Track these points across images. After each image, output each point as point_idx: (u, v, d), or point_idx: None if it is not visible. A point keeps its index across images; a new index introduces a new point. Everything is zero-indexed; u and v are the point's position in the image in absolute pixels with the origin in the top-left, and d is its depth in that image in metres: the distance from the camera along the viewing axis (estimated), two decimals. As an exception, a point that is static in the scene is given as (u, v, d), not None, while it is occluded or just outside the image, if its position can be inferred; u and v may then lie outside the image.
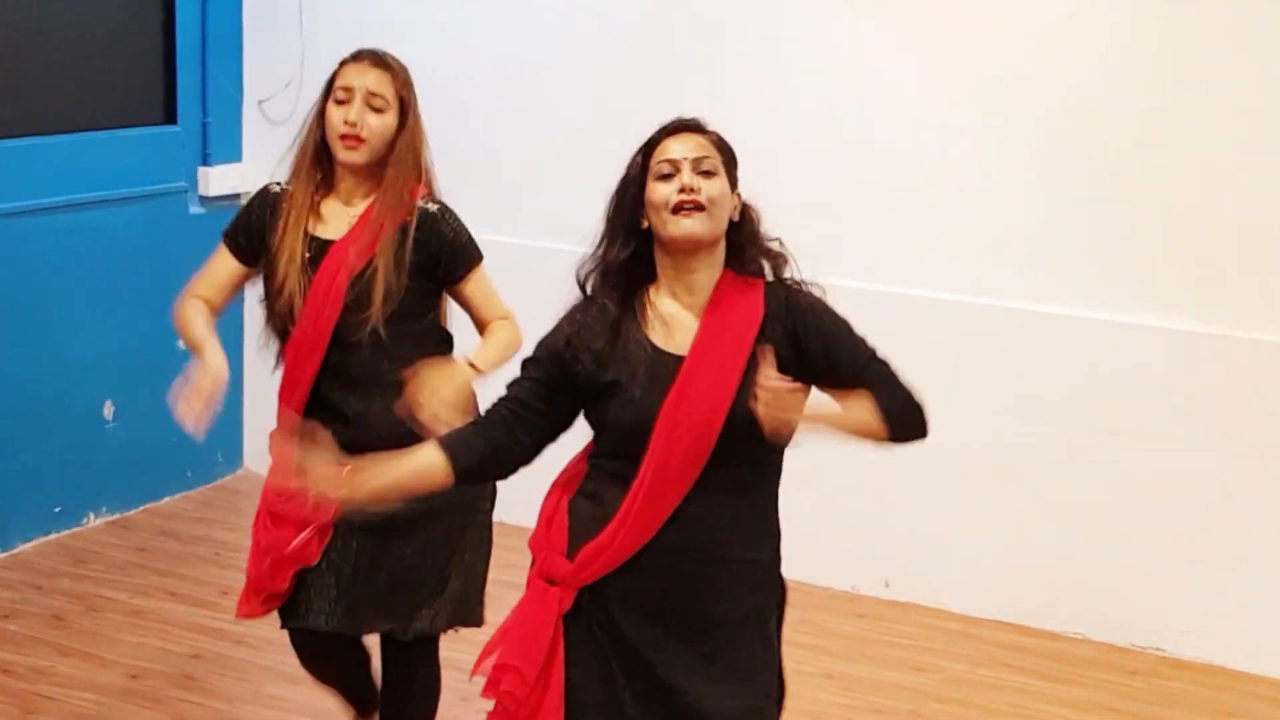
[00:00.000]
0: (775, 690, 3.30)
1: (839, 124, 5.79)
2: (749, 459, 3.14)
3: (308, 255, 3.94)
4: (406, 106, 3.95)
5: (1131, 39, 5.38)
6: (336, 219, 3.97)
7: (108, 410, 6.30)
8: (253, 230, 4.08)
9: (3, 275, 5.84)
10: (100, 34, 6.23)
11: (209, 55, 6.57)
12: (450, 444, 3.20)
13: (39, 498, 6.07)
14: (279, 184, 4.06)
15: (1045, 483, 5.60)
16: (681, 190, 3.08)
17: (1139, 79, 5.37)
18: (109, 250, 6.23)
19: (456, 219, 4.00)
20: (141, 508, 6.47)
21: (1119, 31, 5.40)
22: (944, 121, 5.63)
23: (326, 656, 4.25)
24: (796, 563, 5.92)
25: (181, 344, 4.18)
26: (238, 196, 6.73)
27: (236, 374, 6.82)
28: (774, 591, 3.31)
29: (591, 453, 3.23)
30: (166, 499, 6.59)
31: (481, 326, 4.06)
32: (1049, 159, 5.52)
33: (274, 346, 4.15)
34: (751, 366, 3.05)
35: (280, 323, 4.05)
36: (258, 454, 6.88)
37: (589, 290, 3.21)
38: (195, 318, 4.10)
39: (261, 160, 6.70)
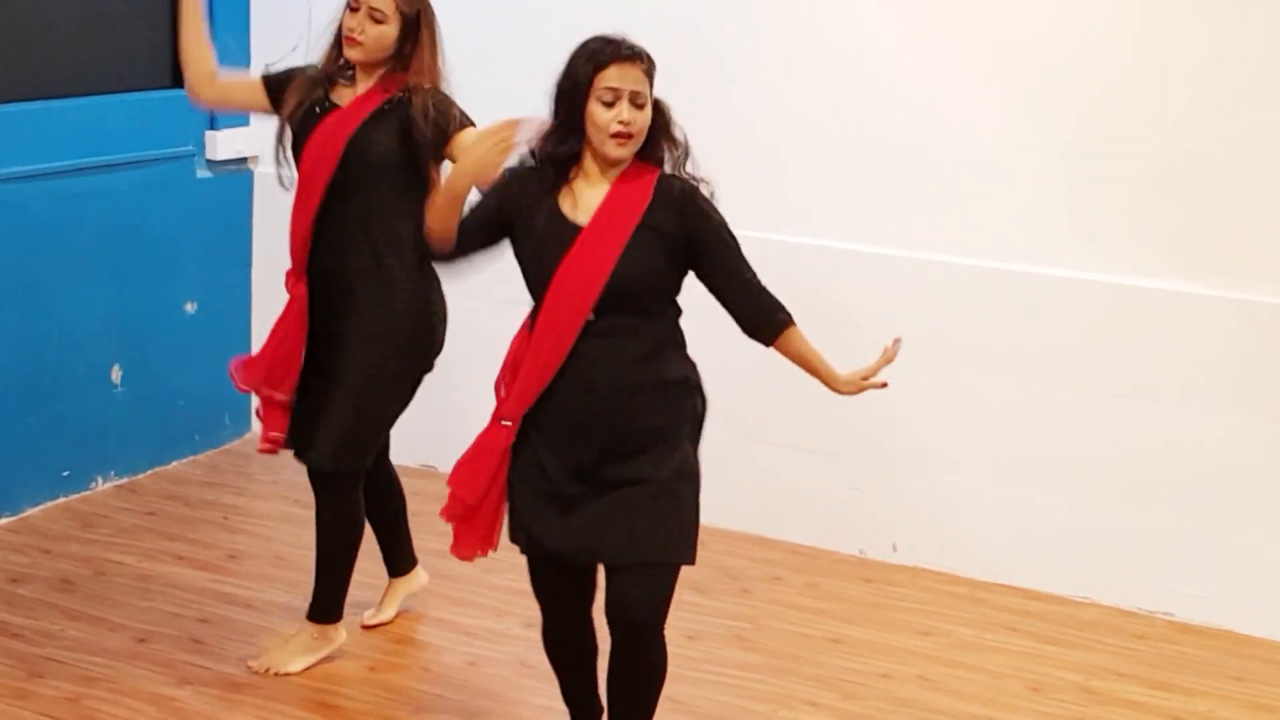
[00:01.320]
0: (687, 477, 3.98)
1: (839, 91, 5.76)
2: (632, 310, 3.86)
3: (317, 110, 4.67)
4: (407, 20, 4.59)
5: (1168, 18, 5.35)
6: (342, 94, 4.70)
7: (115, 374, 6.30)
8: (283, 80, 4.83)
9: (10, 240, 5.83)
10: (107, -3, 6.22)
11: (216, 19, 6.51)
12: (433, 245, 4.09)
13: (47, 462, 6.08)
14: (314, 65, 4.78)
15: (1054, 447, 5.60)
16: (620, 122, 3.79)
17: (1182, 52, 5.33)
18: (116, 214, 6.22)
19: (446, 97, 4.62)
20: (149, 472, 6.47)
21: (1156, 12, 5.36)
22: (978, 90, 5.60)
23: None
24: (803, 527, 6.01)
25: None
26: (244, 161, 6.73)
27: (245, 342, 6.84)
28: (682, 410, 3.96)
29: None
30: (174, 463, 6.59)
31: None
32: (1044, 120, 5.50)
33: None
34: (639, 239, 3.81)
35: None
36: (266, 418, 6.88)
37: (534, 159, 3.92)
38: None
39: (268, 124, 6.67)
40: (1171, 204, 5.38)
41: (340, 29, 4.66)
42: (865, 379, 4.00)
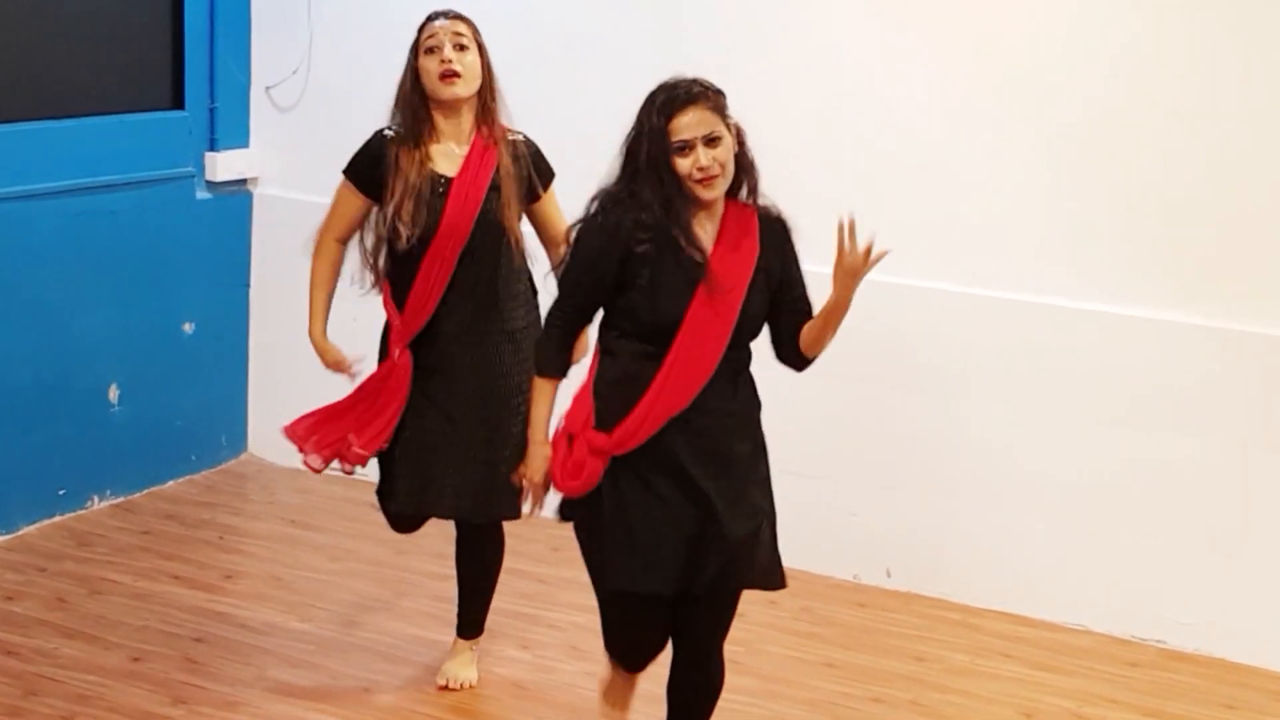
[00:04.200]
0: (771, 514, 4.10)
1: (860, 120, 5.78)
2: (745, 344, 4.00)
3: (427, 190, 4.57)
4: (482, 48, 4.62)
5: (1154, 37, 5.37)
6: (447, 158, 4.62)
7: (113, 394, 6.32)
8: (372, 167, 4.65)
9: (10, 258, 5.85)
10: (109, 18, 6.23)
11: (217, 40, 6.58)
12: (549, 367, 4.07)
13: (43, 480, 6.09)
14: (390, 129, 4.66)
15: (1047, 474, 5.61)
16: (700, 169, 3.82)
17: (1164, 75, 5.36)
18: (116, 234, 6.23)
19: (534, 146, 4.73)
20: (145, 491, 6.48)
21: (1142, 29, 5.39)
22: (966, 118, 5.62)
23: None
24: (798, 551, 5.97)
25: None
26: (244, 182, 6.75)
27: (241, 360, 6.87)
28: (760, 437, 4.09)
29: (611, 340, 3.97)
30: (170, 483, 6.59)
31: (551, 244, 4.74)
32: (1053, 152, 5.52)
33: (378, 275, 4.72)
34: (755, 281, 3.94)
35: (404, 249, 4.60)
36: (262, 438, 6.90)
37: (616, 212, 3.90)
38: (321, 282, 4.78)
39: (269, 146, 6.72)
40: (1164, 234, 5.40)
41: (414, 78, 4.60)
42: (852, 264, 4.04)
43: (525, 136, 4.72)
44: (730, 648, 5.28)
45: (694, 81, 3.88)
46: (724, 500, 3.93)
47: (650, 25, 6.03)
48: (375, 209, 4.65)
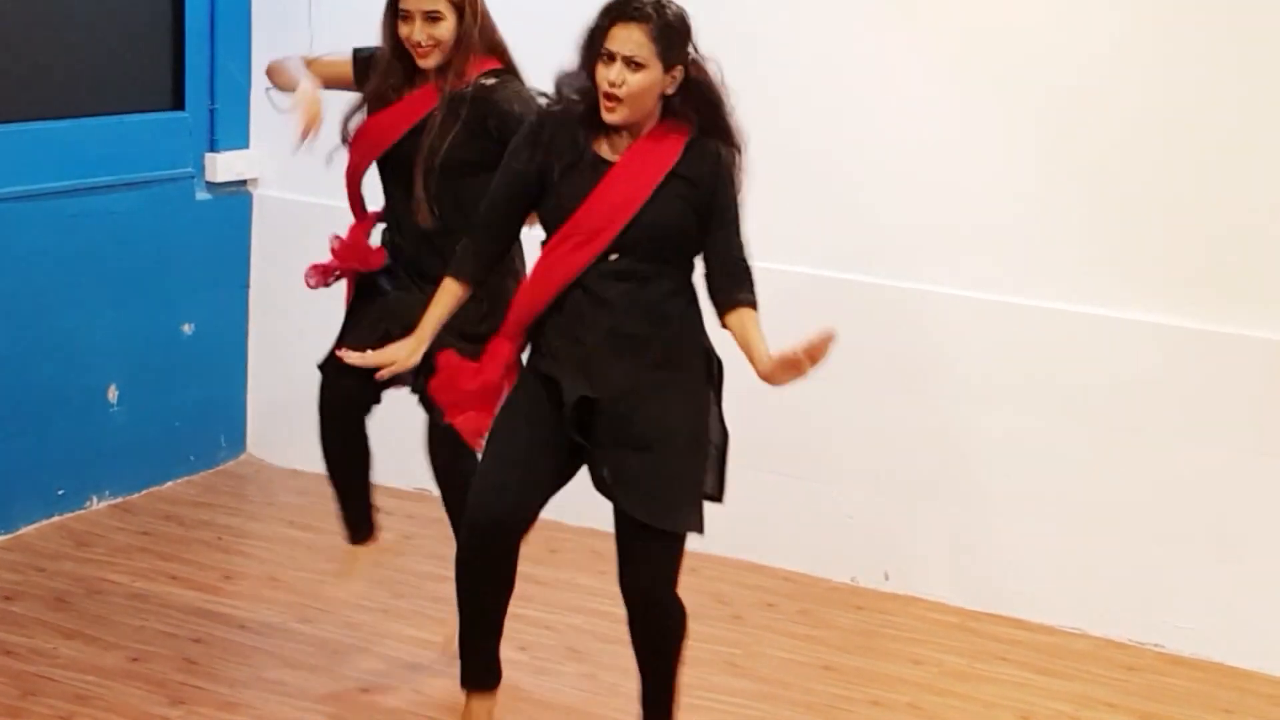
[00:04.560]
0: (703, 445, 4.06)
1: (839, 119, 5.79)
2: (646, 255, 3.88)
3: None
4: (460, 7, 4.56)
5: (1133, 32, 5.39)
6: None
7: (112, 394, 6.32)
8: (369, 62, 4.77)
9: (8, 259, 5.85)
10: (109, 19, 6.23)
11: (218, 41, 6.58)
12: (460, 270, 4.09)
13: (42, 480, 6.09)
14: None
15: (1045, 477, 5.61)
16: (609, 84, 3.78)
17: (1142, 74, 5.37)
18: (115, 235, 6.23)
19: (514, 89, 4.56)
20: (144, 491, 6.48)
21: (1120, 25, 5.40)
22: (962, 122, 5.63)
23: None
24: (796, 554, 6.02)
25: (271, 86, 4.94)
26: (244, 183, 6.75)
27: (241, 361, 6.87)
28: (692, 367, 4.01)
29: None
30: (169, 483, 6.60)
31: None
32: (1051, 155, 5.52)
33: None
34: (663, 187, 3.84)
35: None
36: (261, 439, 6.91)
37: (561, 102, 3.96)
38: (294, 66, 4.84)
39: (269, 147, 6.71)
40: (1165, 237, 5.41)
41: (393, 36, 4.65)
42: (785, 361, 3.87)
43: (503, 76, 4.63)
44: (728, 650, 5.32)
45: (656, 3, 3.83)
46: (604, 420, 3.93)
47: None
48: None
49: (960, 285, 5.68)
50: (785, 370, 3.86)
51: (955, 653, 5.43)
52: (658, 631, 4.16)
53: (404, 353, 4.10)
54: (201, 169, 6.59)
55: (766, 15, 5.86)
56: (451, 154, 4.56)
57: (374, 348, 4.26)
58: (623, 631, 5.35)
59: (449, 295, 4.10)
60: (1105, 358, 5.50)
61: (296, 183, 6.66)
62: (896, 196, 5.74)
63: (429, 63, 4.59)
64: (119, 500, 6.37)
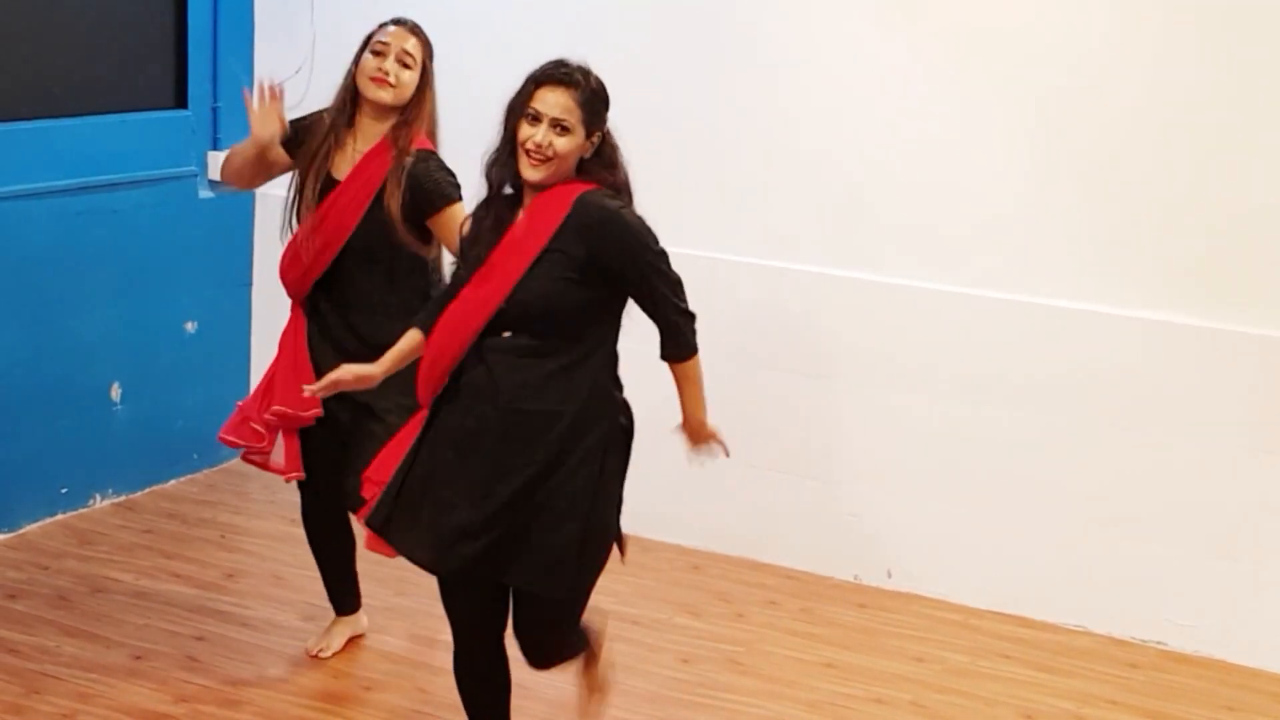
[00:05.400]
0: (591, 539, 3.92)
1: (839, 119, 5.79)
2: (530, 331, 3.83)
3: (317, 187, 4.70)
4: (426, 70, 4.67)
5: (1128, 28, 5.39)
6: (347, 161, 4.70)
7: (115, 392, 6.32)
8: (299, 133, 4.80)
9: (12, 257, 5.86)
10: (112, 17, 6.24)
11: (220, 40, 6.59)
12: (421, 321, 4.05)
13: (45, 478, 6.10)
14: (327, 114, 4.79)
15: (1048, 475, 5.62)
16: (534, 145, 3.78)
17: (1135, 71, 5.38)
18: (118, 233, 6.24)
19: (435, 165, 4.65)
20: (147, 490, 6.49)
21: (1115, 21, 5.40)
22: (959, 120, 5.63)
23: None
24: (798, 552, 6.02)
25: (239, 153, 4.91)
26: (246, 182, 6.75)
27: (244, 362, 6.88)
28: (582, 445, 3.87)
29: None
30: (172, 481, 6.61)
31: None
32: (1051, 154, 5.53)
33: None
34: (542, 260, 3.79)
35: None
36: (264, 438, 6.91)
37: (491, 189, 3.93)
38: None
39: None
40: (1161, 234, 5.41)
41: (354, 70, 4.71)
42: (696, 434, 4.03)
43: (426, 154, 4.67)
44: (730, 647, 5.32)
45: (583, 70, 3.87)
46: (470, 484, 3.88)
47: (640, 28, 6.03)
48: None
49: (961, 283, 5.69)
50: (696, 438, 4.04)
51: (958, 650, 5.43)
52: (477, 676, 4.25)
53: (364, 371, 4.07)
54: (204, 167, 6.60)
55: (767, 15, 5.86)
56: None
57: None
58: (625, 629, 5.38)
59: (404, 341, 4.08)
60: (1108, 355, 5.50)
61: (299, 181, 6.67)
62: (896, 195, 5.74)
63: (380, 93, 4.62)
64: (122, 498, 6.38)
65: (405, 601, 5.57)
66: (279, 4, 6.67)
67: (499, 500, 3.84)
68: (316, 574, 5.74)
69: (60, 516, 6.14)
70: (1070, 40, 5.47)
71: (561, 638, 4.16)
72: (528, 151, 3.80)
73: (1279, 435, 5.31)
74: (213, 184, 6.62)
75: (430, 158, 4.67)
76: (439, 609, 5.42)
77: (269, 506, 6.44)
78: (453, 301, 3.91)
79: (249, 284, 6.86)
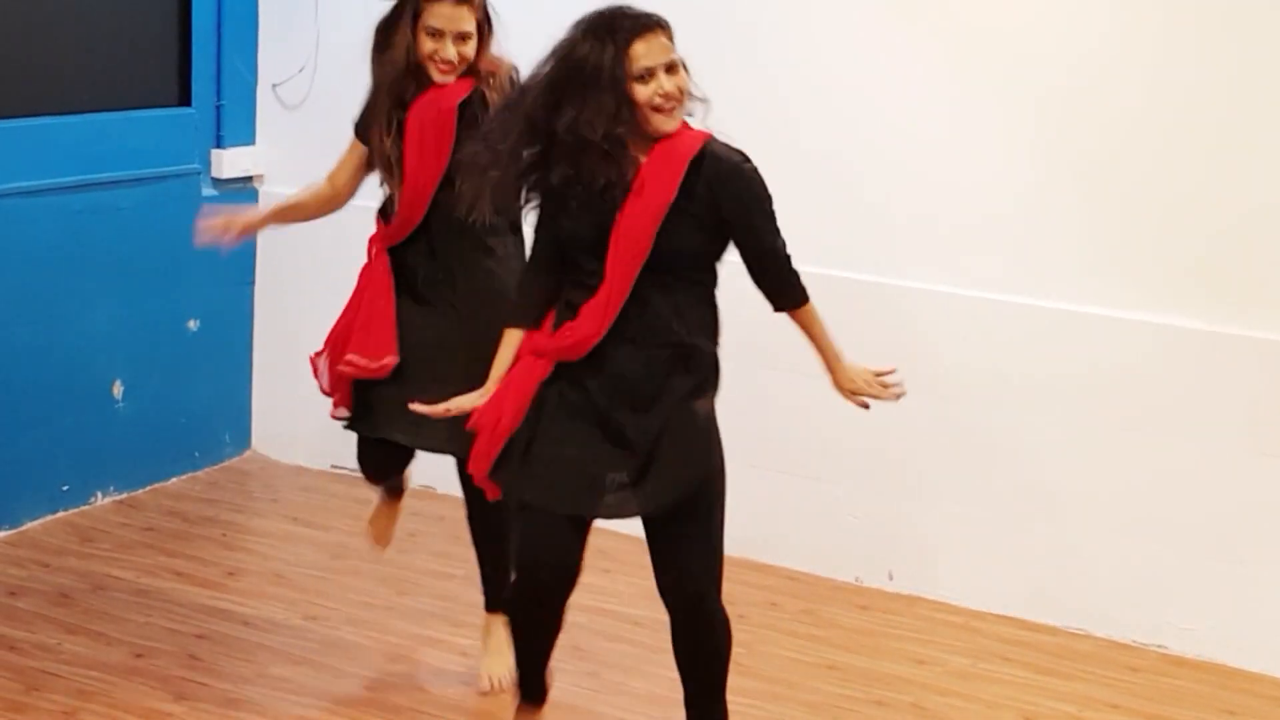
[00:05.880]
0: (717, 461, 4.06)
1: (839, 118, 5.79)
2: (673, 268, 3.90)
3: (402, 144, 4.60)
4: (484, 30, 4.61)
5: (1129, 27, 5.38)
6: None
7: (117, 390, 6.32)
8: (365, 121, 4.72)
9: (15, 254, 5.86)
10: (116, 14, 6.24)
11: (224, 38, 6.58)
12: (518, 318, 4.08)
13: (47, 476, 6.10)
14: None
15: (1049, 477, 5.61)
16: (663, 95, 3.81)
17: (1136, 71, 5.37)
18: (121, 231, 6.24)
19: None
20: (149, 488, 6.49)
21: (1117, 20, 5.40)
22: (964, 119, 5.62)
23: None
24: (800, 553, 6.02)
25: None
26: (250, 180, 6.75)
27: (245, 357, 6.87)
28: (712, 374, 4.04)
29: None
30: (174, 479, 6.60)
31: None
32: (1051, 154, 5.52)
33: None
34: (679, 199, 3.85)
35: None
36: (265, 436, 6.92)
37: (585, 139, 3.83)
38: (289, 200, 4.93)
39: (275, 143, 6.73)
40: (1164, 236, 5.40)
41: (412, 43, 4.58)
42: (866, 383, 4.10)
43: (506, 69, 4.62)
44: (732, 650, 5.31)
45: (641, 11, 3.87)
46: (642, 442, 3.92)
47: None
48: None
49: (963, 284, 5.68)
50: (855, 382, 4.16)
51: (959, 653, 5.43)
52: (704, 640, 4.16)
53: (469, 403, 4.07)
54: (208, 165, 6.59)
55: (767, 15, 5.86)
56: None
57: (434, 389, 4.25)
58: (626, 629, 5.37)
59: (509, 344, 4.08)
60: (1109, 357, 5.49)
61: (302, 179, 6.58)
62: (898, 195, 5.74)
63: (448, 78, 4.57)
64: (123, 496, 6.38)
65: (406, 600, 5.57)
66: (283, 2, 6.67)
67: (652, 432, 3.93)
68: (318, 573, 5.76)
69: (61, 514, 6.14)
70: (1071, 40, 5.46)
71: (718, 554, 4.10)
72: (658, 107, 3.81)
73: (1281, 439, 5.32)
74: (216, 182, 6.62)
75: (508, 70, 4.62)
76: (441, 608, 5.46)
77: (271, 505, 6.44)
78: (610, 253, 3.87)
79: (251, 282, 6.85)
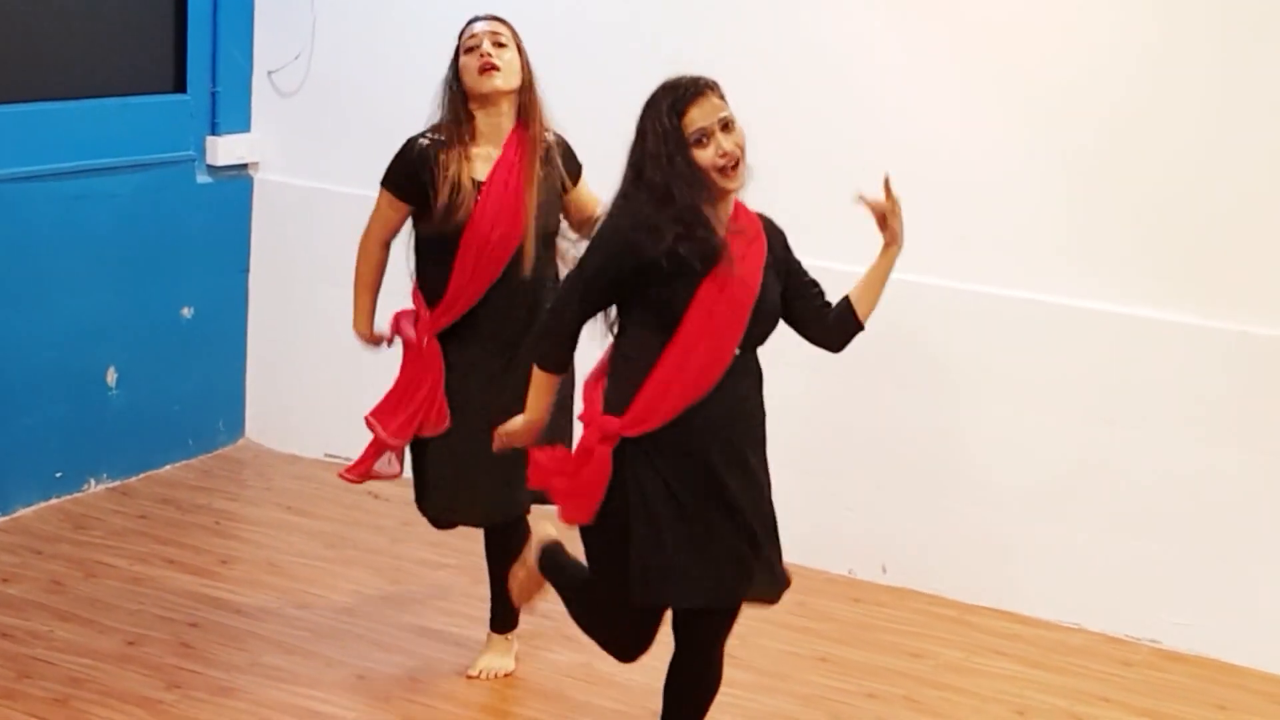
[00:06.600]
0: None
1: (839, 117, 5.79)
2: (758, 342, 3.98)
3: (462, 198, 4.58)
4: (521, 50, 4.69)
5: (1169, 38, 5.37)
6: (485, 161, 4.64)
7: (111, 377, 6.31)
8: (412, 176, 4.66)
9: (9, 240, 5.84)
10: (111, 1, 6.22)
11: (220, 24, 6.57)
12: (550, 364, 4.05)
13: (40, 463, 6.09)
14: (425, 136, 4.69)
15: (1045, 473, 5.61)
16: (723, 156, 3.83)
17: (1182, 76, 5.35)
18: (116, 218, 6.23)
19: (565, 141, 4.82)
20: (142, 475, 6.48)
21: (1119, 21, 5.40)
22: (972, 115, 5.62)
23: None
24: (794, 546, 5.96)
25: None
26: (245, 167, 6.74)
27: (240, 345, 6.86)
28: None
29: (625, 329, 3.97)
30: (167, 467, 6.60)
31: (582, 226, 4.79)
32: (1052, 153, 5.52)
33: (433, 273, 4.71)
34: (767, 276, 3.95)
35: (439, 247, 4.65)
36: (259, 424, 6.91)
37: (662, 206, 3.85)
38: (366, 284, 4.82)
39: (270, 131, 6.72)
40: (1171, 234, 5.40)
41: (455, 77, 4.65)
42: (887, 217, 4.21)
43: (558, 135, 4.78)
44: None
45: (693, 76, 3.90)
46: (752, 511, 3.97)
47: (640, 28, 6.02)
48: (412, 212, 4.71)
49: (958, 279, 5.68)
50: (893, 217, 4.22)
51: (952, 646, 5.43)
52: (705, 688, 4.22)
53: (516, 431, 4.13)
54: (203, 152, 6.58)
55: (767, 14, 5.85)
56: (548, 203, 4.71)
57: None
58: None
59: (547, 387, 4.07)
60: (1104, 353, 5.49)
61: (297, 167, 6.67)
62: (899, 189, 5.72)
63: (493, 81, 4.58)
64: (117, 483, 6.37)
65: (399, 590, 5.56)
66: (279, -12, 6.66)
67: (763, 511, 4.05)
68: (311, 562, 5.76)
69: (54, 501, 6.13)
70: (1065, 37, 5.45)
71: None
72: (722, 169, 3.84)
73: (1275, 434, 5.31)
74: (211, 169, 6.60)
75: (560, 137, 4.78)
76: (434, 597, 5.45)
77: (264, 494, 6.43)
78: (693, 313, 3.84)
79: (246, 270, 6.84)
